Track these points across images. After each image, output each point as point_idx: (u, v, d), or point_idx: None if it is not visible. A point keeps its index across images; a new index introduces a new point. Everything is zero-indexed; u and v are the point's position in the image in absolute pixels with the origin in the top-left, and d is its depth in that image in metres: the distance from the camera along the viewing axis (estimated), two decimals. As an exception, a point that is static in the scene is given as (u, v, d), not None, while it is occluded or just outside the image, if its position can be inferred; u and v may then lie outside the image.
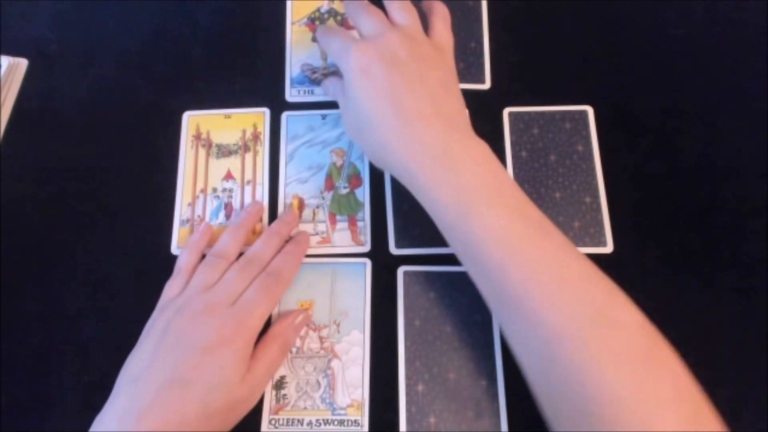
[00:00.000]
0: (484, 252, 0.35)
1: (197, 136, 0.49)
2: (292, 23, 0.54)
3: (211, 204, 0.47)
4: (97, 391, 0.38)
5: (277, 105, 0.50)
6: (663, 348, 0.32)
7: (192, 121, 0.50)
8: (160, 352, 0.37)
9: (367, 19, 0.41)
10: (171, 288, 0.42)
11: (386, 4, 0.43)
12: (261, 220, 0.46)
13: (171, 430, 0.34)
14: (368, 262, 0.45)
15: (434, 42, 0.43)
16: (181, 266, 0.43)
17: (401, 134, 0.37)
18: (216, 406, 0.36)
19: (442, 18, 0.44)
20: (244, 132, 0.49)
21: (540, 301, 0.33)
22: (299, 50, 0.52)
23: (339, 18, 0.54)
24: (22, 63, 0.52)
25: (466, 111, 0.41)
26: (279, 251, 0.43)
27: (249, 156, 0.48)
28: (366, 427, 0.40)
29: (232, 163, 0.48)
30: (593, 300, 0.33)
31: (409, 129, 0.37)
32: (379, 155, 0.40)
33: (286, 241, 0.44)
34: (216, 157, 0.48)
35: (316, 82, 0.50)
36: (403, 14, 0.42)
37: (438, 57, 0.41)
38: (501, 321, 0.37)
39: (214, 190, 0.48)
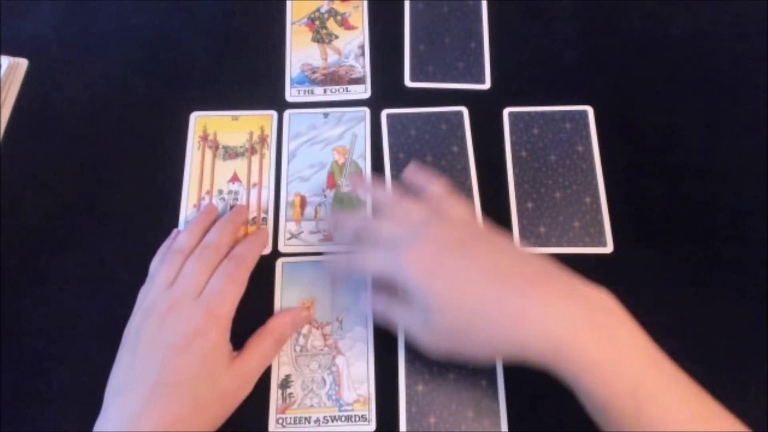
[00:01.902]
0: None
1: (204, 137, 0.49)
2: (292, 23, 0.54)
3: (217, 206, 0.47)
4: (97, 391, 0.38)
5: (277, 105, 0.50)
6: None
7: (199, 122, 0.50)
8: (137, 359, 0.37)
9: (388, 224, 0.38)
10: (141, 294, 0.42)
11: (390, 213, 0.40)
12: (246, 222, 0.46)
13: (166, 430, 0.34)
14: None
15: (457, 215, 0.39)
16: (151, 270, 0.43)
17: (528, 308, 0.32)
18: (207, 398, 0.36)
19: (446, 195, 0.40)
20: (251, 134, 0.49)
21: None
22: (299, 50, 0.52)
23: (339, 18, 0.54)
24: (22, 63, 0.52)
25: (550, 260, 0.36)
26: (235, 241, 0.44)
27: (255, 159, 0.48)
28: (373, 421, 0.40)
29: (239, 166, 0.48)
30: None
31: (532, 299, 0.32)
32: (506, 346, 0.33)
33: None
34: (222, 159, 0.48)
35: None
36: (416, 209, 0.39)
37: (476, 228, 0.39)
38: None
39: (220, 192, 0.48)
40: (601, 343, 0.31)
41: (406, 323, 0.38)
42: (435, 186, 0.41)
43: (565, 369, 0.32)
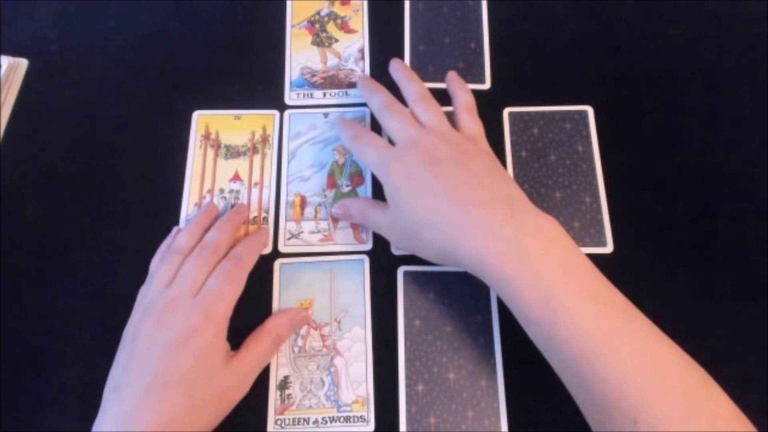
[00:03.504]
0: (572, 348, 0.33)
1: (206, 136, 0.49)
2: (292, 26, 0.54)
3: (218, 205, 0.47)
4: (97, 391, 0.38)
5: (277, 108, 0.50)
6: None
7: (201, 120, 0.50)
8: (134, 358, 0.37)
9: (397, 123, 0.43)
10: (140, 294, 0.42)
11: (411, 107, 0.44)
12: (247, 222, 0.46)
13: (161, 430, 0.34)
14: (366, 258, 0.45)
15: (465, 134, 0.43)
16: (151, 269, 0.43)
17: (466, 225, 0.36)
18: (202, 398, 0.36)
19: (466, 109, 0.45)
20: (253, 134, 0.49)
21: (636, 400, 0.31)
22: (299, 53, 0.52)
23: (339, 21, 0.54)
24: (22, 63, 0.52)
25: (521, 190, 0.40)
26: (235, 240, 0.44)
27: (257, 158, 0.48)
28: (372, 422, 0.40)
29: (240, 165, 0.48)
30: (689, 395, 0.31)
31: (472, 218, 0.36)
32: (446, 253, 0.38)
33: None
34: (224, 158, 0.48)
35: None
36: (429, 114, 0.43)
37: (473, 146, 0.42)
38: (589, 416, 0.34)
39: (221, 191, 0.48)
40: (519, 260, 0.35)
41: (377, 220, 0.43)
42: (412, 88, 0.46)
43: (490, 281, 0.37)
